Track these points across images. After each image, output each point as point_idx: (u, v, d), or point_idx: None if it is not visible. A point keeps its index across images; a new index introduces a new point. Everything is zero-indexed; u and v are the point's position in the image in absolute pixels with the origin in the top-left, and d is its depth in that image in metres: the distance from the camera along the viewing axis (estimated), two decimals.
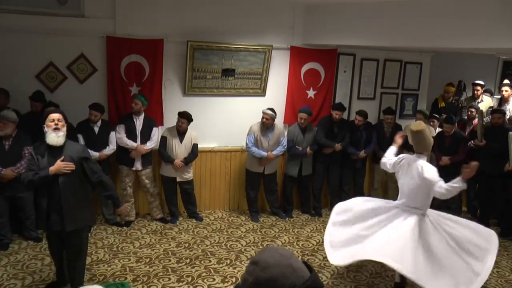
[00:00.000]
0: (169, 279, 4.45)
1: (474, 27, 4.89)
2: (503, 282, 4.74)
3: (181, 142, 5.74)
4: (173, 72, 5.98)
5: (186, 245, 5.28)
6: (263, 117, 5.91)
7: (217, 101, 6.26)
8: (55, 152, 3.66)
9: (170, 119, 5.93)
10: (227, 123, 6.30)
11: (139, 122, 5.59)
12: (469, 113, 6.70)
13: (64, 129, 3.70)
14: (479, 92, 7.15)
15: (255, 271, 1.29)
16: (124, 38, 5.61)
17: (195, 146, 5.82)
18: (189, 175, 5.89)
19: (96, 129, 5.38)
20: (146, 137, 5.62)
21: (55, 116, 3.69)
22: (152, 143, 5.66)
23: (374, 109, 7.01)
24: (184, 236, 5.54)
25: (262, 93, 6.43)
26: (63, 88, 5.58)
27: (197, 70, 5.98)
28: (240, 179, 6.43)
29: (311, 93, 6.58)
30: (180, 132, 5.75)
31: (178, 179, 5.82)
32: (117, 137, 5.51)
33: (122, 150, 5.59)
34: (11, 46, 5.31)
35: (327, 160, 6.39)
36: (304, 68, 6.49)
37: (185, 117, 5.65)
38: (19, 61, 5.35)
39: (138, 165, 5.63)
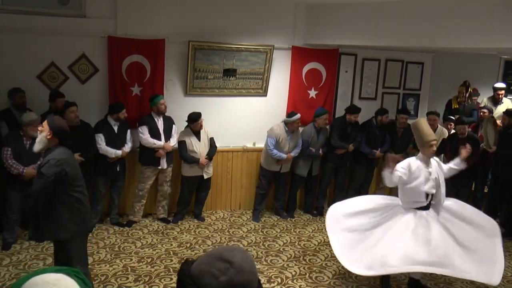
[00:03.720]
0: (171, 279, 4.45)
1: (476, 27, 4.88)
2: (505, 282, 4.72)
3: (199, 140, 5.79)
4: (174, 73, 5.98)
5: (188, 245, 5.29)
6: (294, 123, 5.91)
7: (219, 101, 6.26)
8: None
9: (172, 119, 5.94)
10: (228, 123, 6.30)
11: (160, 122, 5.65)
12: (481, 114, 6.68)
13: (41, 135, 3.43)
14: (501, 96, 7.16)
15: (230, 271, 1.27)
16: (125, 38, 5.61)
17: (212, 140, 5.91)
18: (211, 170, 5.98)
19: (116, 128, 5.45)
20: (168, 135, 5.69)
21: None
22: (175, 140, 5.74)
23: (375, 109, 6.98)
24: (186, 236, 5.54)
25: (264, 93, 6.43)
26: (65, 88, 5.57)
27: (199, 70, 5.98)
28: (241, 179, 6.43)
29: (312, 93, 6.58)
30: (195, 132, 5.78)
31: (205, 176, 5.88)
32: (142, 138, 5.56)
33: (146, 151, 5.62)
34: (13, 47, 5.31)
35: (337, 160, 6.41)
36: (306, 68, 6.49)
37: (201, 116, 5.68)
38: (21, 62, 5.35)
39: (164, 164, 5.68)
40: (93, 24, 5.50)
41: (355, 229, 4.28)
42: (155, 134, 5.60)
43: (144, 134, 5.56)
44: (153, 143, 5.56)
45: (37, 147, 3.45)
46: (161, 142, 5.60)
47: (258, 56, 6.17)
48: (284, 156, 5.96)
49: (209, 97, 6.19)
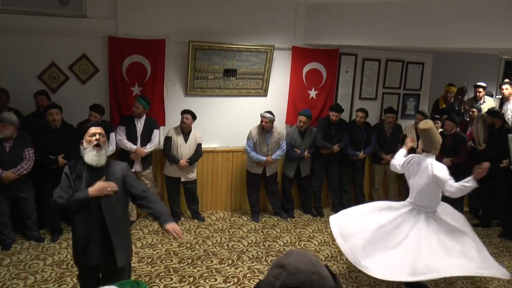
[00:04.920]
0: (171, 279, 4.45)
1: (476, 27, 4.88)
2: (505, 282, 4.72)
3: (186, 141, 5.76)
4: (175, 73, 5.99)
5: (188, 245, 5.29)
6: (262, 121, 5.90)
7: (219, 101, 6.27)
8: (96, 172, 3.04)
9: (172, 119, 5.94)
10: (229, 123, 6.30)
11: (140, 124, 5.59)
12: (470, 113, 6.70)
13: (107, 146, 3.13)
14: (481, 94, 7.15)
15: (282, 275, 1.26)
16: (125, 39, 5.61)
17: (199, 146, 5.85)
18: (193, 175, 5.91)
19: None
20: (146, 139, 5.61)
21: (96, 129, 3.07)
22: (153, 146, 5.64)
23: (376, 109, 7.00)
24: (186, 236, 5.54)
25: (264, 93, 6.43)
26: (65, 88, 5.59)
27: (199, 71, 5.98)
28: (242, 180, 6.43)
29: (312, 93, 6.58)
30: (185, 132, 5.76)
31: (182, 179, 5.83)
32: (118, 139, 5.49)
33: (122, 152, 5.58)
34: (13, 47, 5.33)
35: (325, 160, 6.39)
36: (306, 68, 6.49)
37: (189, 113, 5.69)
38: (21, 62, 5.37)
39: (137, 167, 5.61)
40: (93, 24, 5.51)
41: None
42: (131, 136, 5.52)
43: (120, 135, 5.51)
44: (125, 146, 5.50)
45: (102, 160, 3.06)
46: (134, 146, 5.52)
47: (259, 56, 6.17)
48: (263, 158, 5.91)
49: (210, 97, 6.20)
